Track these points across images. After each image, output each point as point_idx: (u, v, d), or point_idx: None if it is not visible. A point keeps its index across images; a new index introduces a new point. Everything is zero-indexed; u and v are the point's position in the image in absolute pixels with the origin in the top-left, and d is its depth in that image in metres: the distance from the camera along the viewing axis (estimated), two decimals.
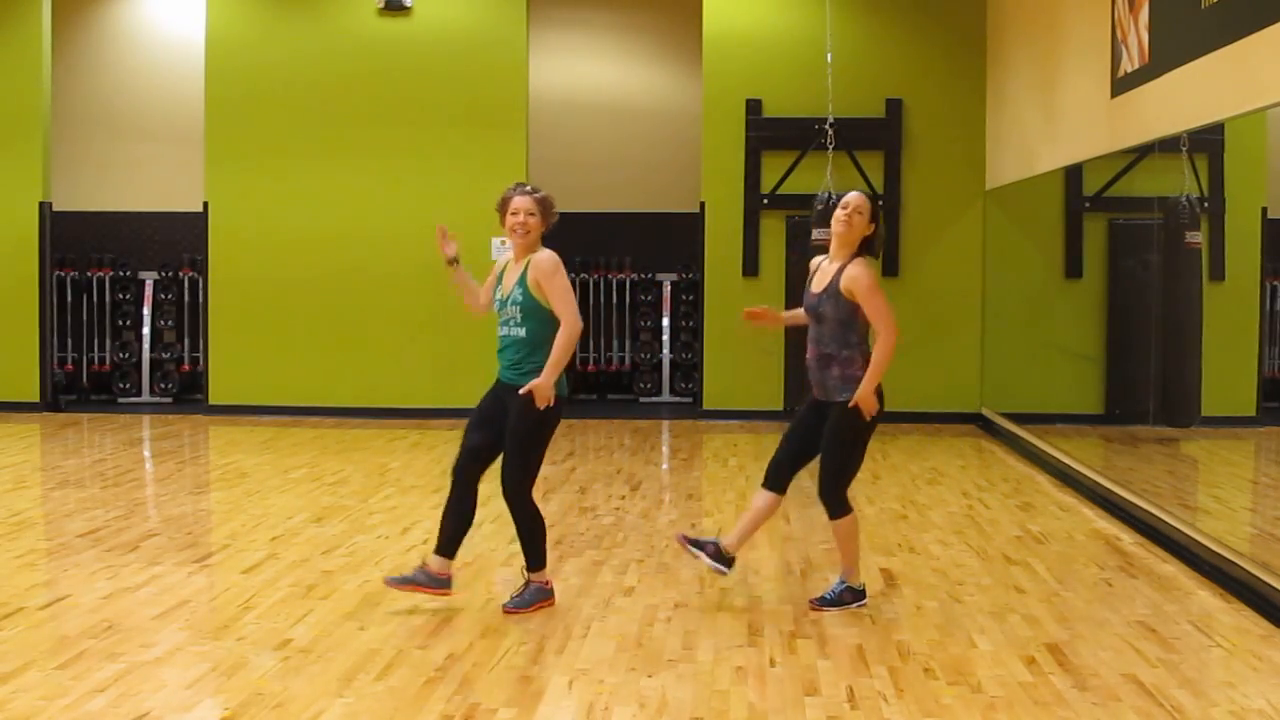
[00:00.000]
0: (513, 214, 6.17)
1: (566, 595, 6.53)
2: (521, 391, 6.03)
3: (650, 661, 5.49)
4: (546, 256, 6.15)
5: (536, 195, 6.22)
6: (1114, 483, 8.93)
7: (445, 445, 11.52)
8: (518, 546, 7.63)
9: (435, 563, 6.26)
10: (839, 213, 6.31)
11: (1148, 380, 9.14)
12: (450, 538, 6.28)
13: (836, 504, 6.32)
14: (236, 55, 13.52)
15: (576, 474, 10.25)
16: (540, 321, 6.11)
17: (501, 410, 6.18)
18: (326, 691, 5.06)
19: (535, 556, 6.31)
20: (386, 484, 9.68)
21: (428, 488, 9.51)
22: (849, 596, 6.35)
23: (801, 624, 6.05)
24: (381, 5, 13.42)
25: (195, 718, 4.79)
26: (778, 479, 6.45)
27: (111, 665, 5.32)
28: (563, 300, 6.09)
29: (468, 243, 13.21)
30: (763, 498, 6.47)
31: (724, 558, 6.47)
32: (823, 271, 6.44)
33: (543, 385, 6.00)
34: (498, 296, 6.25)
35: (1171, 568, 7.22)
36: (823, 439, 6.32)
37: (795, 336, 13.29)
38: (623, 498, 9.26)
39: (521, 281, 6.13)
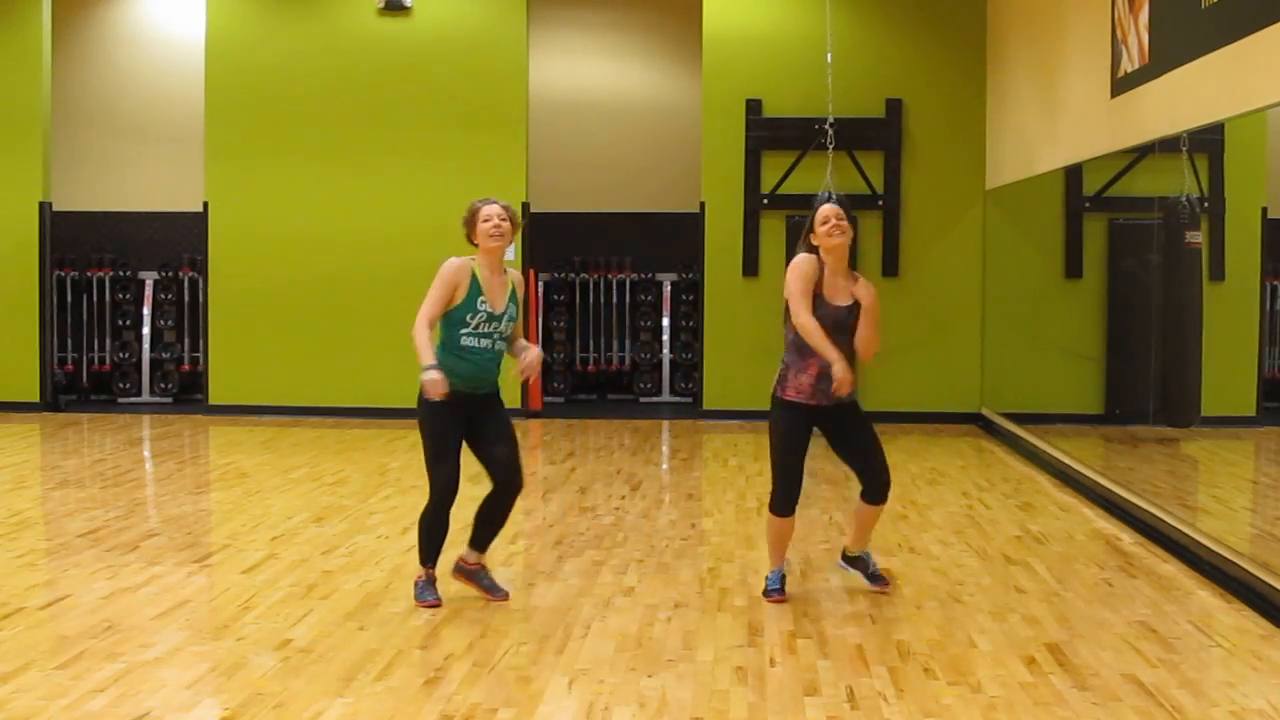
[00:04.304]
0: (485, 220, 6.30)
1: (566, 595, 6.53)
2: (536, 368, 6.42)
3: (650, 661, 5.48)
4: (519, 274, 6.51)
5: (504, 203, 6.40)
6: (1114, 483, 8.92)
7: None
8: (517, 547, 7.67)
9: (435, 571, 6.49)
10: (825, 228, 6.28)
11: (1148, 380, 9.14)
12: (439, 547, 6.49)
13: None
14: (236, 55, 13.52)
15: (576, 474, 10.25)
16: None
17: (464, 427, 6.38)
18: (326, 691, 5.06)
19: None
20: (386, 484, 9.68)
21: (427, 488, 9.48)
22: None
23: (801, 624, 6.05)
24: (381, 5, 13.42)
25: (195, 718, 4.79)
26: (868, 490, 6.48)
27: (111, 665, 5.32)
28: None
29: (468, 242, 13.33)
30: (790, 522, 6.54)
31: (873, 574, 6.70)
32: (837, 286, 6.34)
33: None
34: (484, 310, 6.26)
35: (1171, 568, 7.22)
36: (865, 431, 6.43)
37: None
38: (623, 498, 9.26)
39: (514, 299, 6.36)
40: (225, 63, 13.52)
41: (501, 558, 7.39)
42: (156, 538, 7.79)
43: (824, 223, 6.31)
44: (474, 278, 6.28)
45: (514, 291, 6.37)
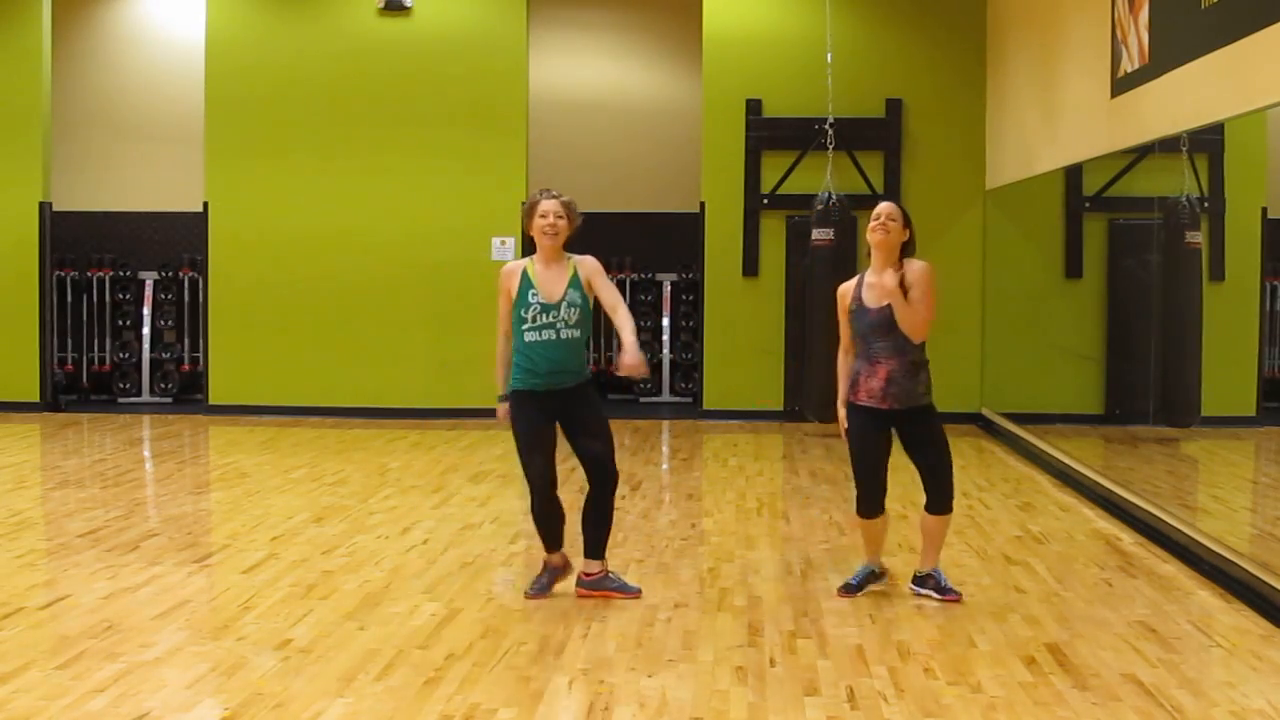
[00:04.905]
0: (541, 216, 6.34)
1: (566, 595, 6.53)
2: (637, 373, 6.20)
3: (650, 661, 5.48)
4: (594, 261, 6.43)
5: (564, 199, 6.41)
6: (1114, 483, 8.93)
7: (445, 445, 11.53)
8: (517, 547, 7.66)
9: (559, 556, 6.59)
10: (873, 223, 6.38)
11: (1148, 380, 9.14)
12: (557, 534, 6.57)
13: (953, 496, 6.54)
14: (236, 55, 13.52)
15: (577, 474, 10.19)
16: (588, 321, 6.38)
17: (554, 422, 6.38)
18: (326, 691, 5.06)
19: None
20: (386, 484, 9.68)
21: (428, 488, 9.51)
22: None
23: (801, 624, 6.05)
24: (381, 5, 13.42)
25: (195, 718, 4.79)
26: (882, 503, 6.52)
27: (111, 665, 5.32)
28: (615, 296, 6.38)
29: (468, 242, 13.38)
30: (878, 523, 6.58)
31: (879, 574, 6.69)
32: (872, 286, 6.40)
33: (640, 359, 6.23)
34: (536, 302, 6.26)
35: (1171, 568, 7.22)
36: (933, 444, 6.43)
37: (795, 336, 13.30)
38: (623, 498, 9.24)
39: (575, 284, 6.31)
40: (225, 63, 13.52)
41: (502, 557, 7.39)
42: (156, 538, 7.79)
43: (874, 219, 6.42)
44: (524, 274, 6.33)
45: (575, 277, 6.31)
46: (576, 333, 6.29)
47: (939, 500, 6.47)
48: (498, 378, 6.44)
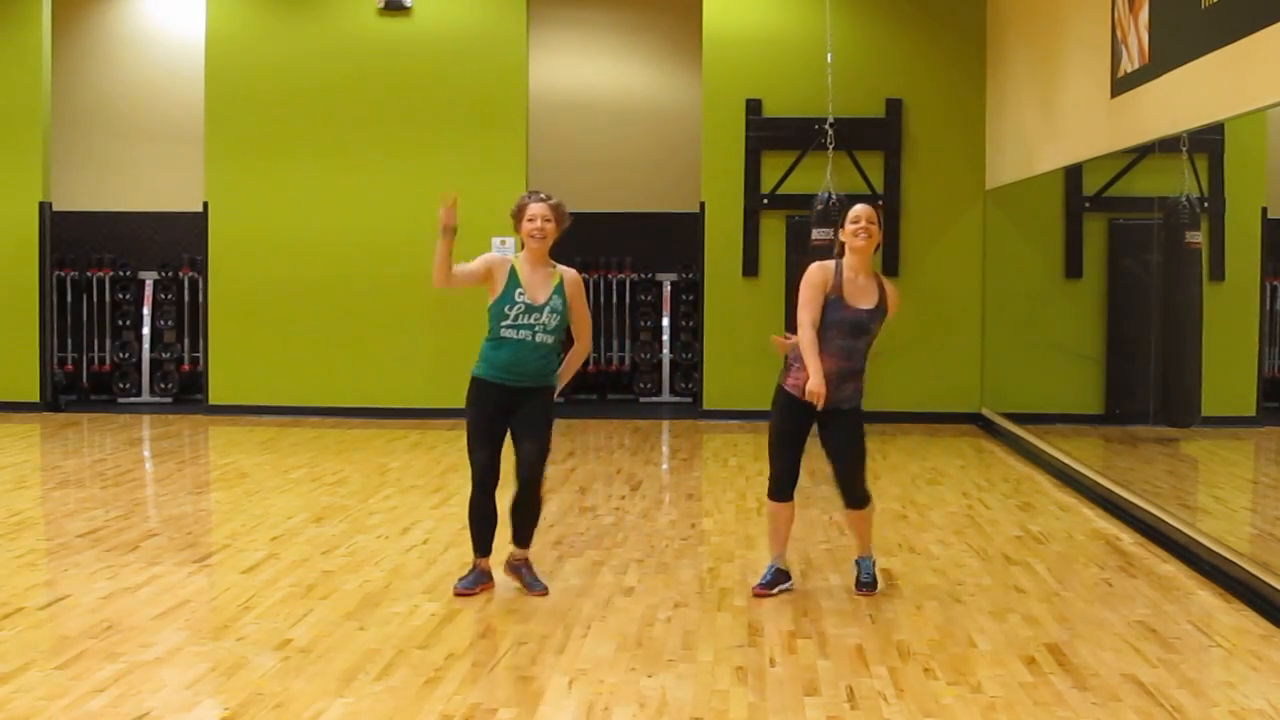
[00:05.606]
0: (529, 220, 6.43)
1: (566, 595, 6.54)
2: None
3: (650, 661, 5.49)
4: (578, 277, 6.55)
5: (552, 202, 6.49)
6: (1114, 483, 8.93)
7: (445, 445, 11.52)
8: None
9: (485, 563, 6.66)
10: (852, 228, 6.37)
11: (1148, 380, 9.14)
12: (485, 539, 6.64)
13: (868, 493, 6.63)
14: (236, 55, 13.52)
15: (576, 474, 10.25)
16: (563, 331, 6.47)
17: (507, 417, 6.46)
18: (326, 691, 5.06)
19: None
20: (386, 484, 9.68)
21: (428, 488, 9.51)
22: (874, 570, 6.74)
23: (801, 624, 6.05)
24: (381, 5, 13.42)
25: (195, 718, 4.79)
26: (790, 490, 6.60)
27: (111, 665, 5.32)
28: (587, 321, 6.59)
29: (468, 242, 13.28)
30: (784, 510, 6.62)
31: (788, 576, 6.72)
32: (860, 287, 6.41)
33: (565, 385, 6.69)
34: (522, 301, 6.36)
35: (1171, 568, 7.22)
36: (847, 443, 6.50)
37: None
38: (623, 498, 9.26)
39: (559, 292, 6.42)
40: (225, 63, 13.52)
41: (501, 557, 7.38)
42: (156, 538, 7.79)
43: (854, 222, 6.41)
44: (512, 271, 6.41)
45: (560, 285, 6.42)
46: (550, 339, 6.39)
47: (849, 497, 6.60)
48: (438, 251, 6.29)
